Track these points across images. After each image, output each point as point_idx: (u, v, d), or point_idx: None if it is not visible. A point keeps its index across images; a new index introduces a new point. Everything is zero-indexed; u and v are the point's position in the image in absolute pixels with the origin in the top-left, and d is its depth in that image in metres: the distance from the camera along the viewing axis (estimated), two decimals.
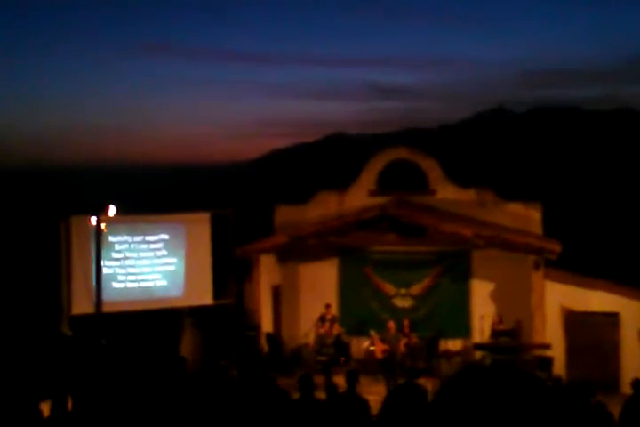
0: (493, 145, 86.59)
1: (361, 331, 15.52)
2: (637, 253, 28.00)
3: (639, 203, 41.64)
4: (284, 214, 16.46)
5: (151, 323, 14.95)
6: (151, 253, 15.05)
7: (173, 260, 15.16)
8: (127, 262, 14.88)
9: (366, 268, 16.22)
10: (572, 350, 14.48)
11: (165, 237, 15.13)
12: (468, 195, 15.68)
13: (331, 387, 9.07)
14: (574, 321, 14.62)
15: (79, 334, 14.17)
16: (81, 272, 14.26)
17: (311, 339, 15.10)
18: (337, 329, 15.08)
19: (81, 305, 14.10)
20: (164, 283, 15.08)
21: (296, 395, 8.16)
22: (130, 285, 14.86)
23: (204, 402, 8.56)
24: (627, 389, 9.98)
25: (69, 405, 7.99)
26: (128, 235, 14.88)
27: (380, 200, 15.43)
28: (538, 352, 13.80)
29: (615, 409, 8.12)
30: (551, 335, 14.28)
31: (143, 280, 14.97)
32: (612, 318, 14.42)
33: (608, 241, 32.61)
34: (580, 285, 14.68)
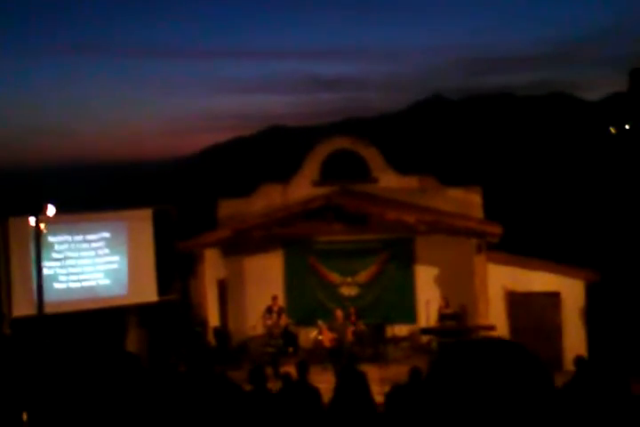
0: (432, 133, 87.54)
1: (308, 321, 15.54)
2: (576, 233, 28.63)
3: (575, 184, 42.53)
4: (228, 208, 16.36)
5: (95, 322, 14.73)
6: (92, 252, 14.82)
7: (116, 258, 14.95)
8: (68, 262, 14.63)
9: (311, 258, 16.27)
10: (515, 331, 14.73)
11: (107, 235, 14.91)
12: (410, 182, 15.83)
13: (285, 377, 9.09)
14: (517, 302, 14.88)
15: (22, 335, 13.88)
16: (21, 274, 13.97)
17: (259, 331, 15.07)
18: (285, 320, 15.08)
19: (22, 307, 13.82)
20: (107, 282, 14.87)
21: (246, 388, 8.16)
22: (72, 285, 14.62)
23: (155, 400, 8.47)
24: (569, 366, 10.20)
25: (18, 408, 7.81)
26: (68, 234, 14.62)
27: (323, 190, 15.46)
28: (483, 334, 14.00)
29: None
30: (495, 317, 14.50)
31: (85, 280, 14.74)
32: (553, 298, 14.72)
33: (548, 222, 33.25)
34: (521, 266, 14.95)
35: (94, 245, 14.84)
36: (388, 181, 15.86)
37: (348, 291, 16.20)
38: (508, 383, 1.83)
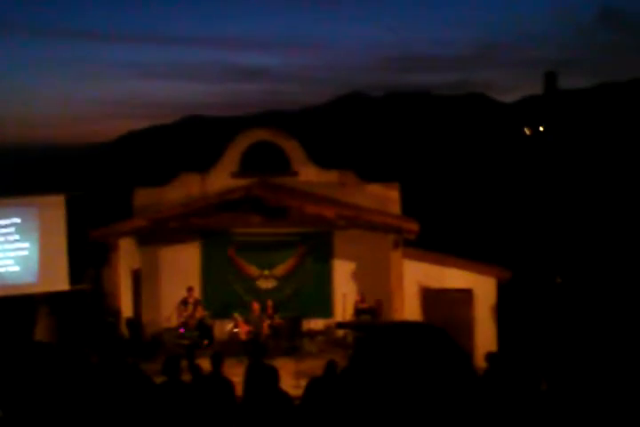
0: (353, 128, 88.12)
1: (225, 313, 15.44)
2: (489, 232, 29.33)
3: (490, 183, 43.56)
4: (144, 197, 16.05)
5: (4, 310, 14.26)
6: (2, 238, 14.32)
7: (26, 244, 14.48)
8: None
9: (229, 250, 16.15)
10: None
11: (17, 220, 14.42)
12: (330, 176, 15.88)
13: (195, 369, 9.01)
14: (431, 298, 15.15)
15: None
16: None
17: (173, 323, 14.87)
18: (200, 312, 14.93)
19: None
20: (17, 269, 14.39)
21: (158, 380, 8.04)
22: None
23: (65, 390, 8.25)
24: (480, 362, 10.41)
25: None
26: None
27: (242, 182, 15.34)
28: None
29: None
30: (410, 312, 14.70)
31: None
32: (465, 295, 15.04)
33: (462, 220, 33.95)
34: (435, 262, 15.23)
35: (4, 230, 14.34)
36: (308, 174, 15.87)
37: (265, 284, 16.15)
38: (429, 368, 1.83)
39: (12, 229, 14.37)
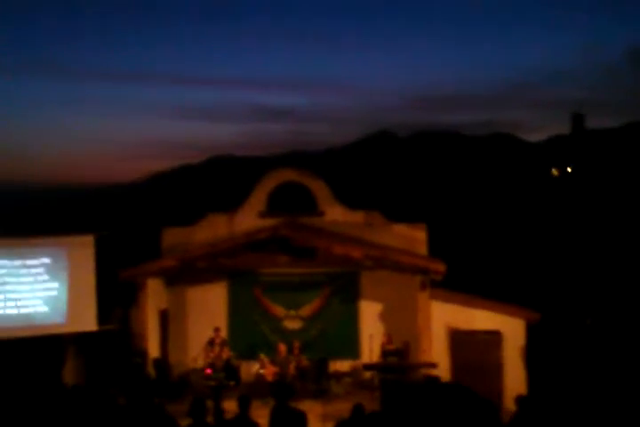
0: (379, 168, 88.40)
1: (251, 354, 15.37)
2: (517, 273, 29.07)
3: (517, 224, 43.29)
4: (172, 237, 16.16)
5: (32, 350, 14.33)
6: (31, 278, 14.46)
7: (55, 284, 14.61)
8: (6, 288, 14.23)
9: (256, 290, 16.14)
10: (457, 369, 14.80)
11: (47, 260, 14.57)
12: (357, 216, 15.91)
13: (219, 412, 8.97)
14: (459, 340, 14.98)
15: None
16: None
17: (200, 364, 14.82)
18: (227, 353, 14.88)
19: None
20: (46, 309, 14.50)
21: (184, 421, 8.02)
22: (9, 311, 14.22)
23: None
24: (510, 405, 10.26)
25: None
26: (7, 259, 14.27)
27: (269, 222, 15.41)
28: (425, 371, 14.03)
29: None
30: (437, 354, 14.56)
31: (23, 306, 14.34)
32: (494, 337, 14.86)
33: (490, 261, 33.71)
34: (463, 304, 15.10)
35: (34, 270, 14.48)
36: (335, 214, 15.92)
37: (291, 324, 16.09)
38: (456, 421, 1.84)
39: (41, 270, 14.51)
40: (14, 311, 14.25)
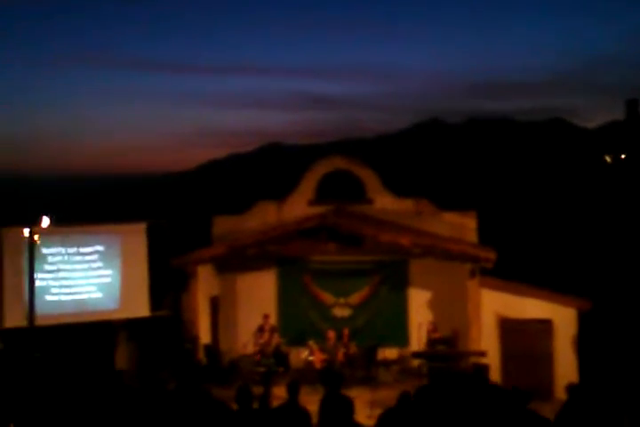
0: (429, 155, 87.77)
1: (300, 341, 15.47)
2: (569, 261, 28.65)
3: (570, 211, 42.65)
4: (223, 225, 16.33)
5: (86, 336, 14.65)
6: (86, 265, 14.75)
7: (108, 271, 14.88)
8: (61, 275, 14.54)
9: (305, 277, 16.23)
10: (506, 357, 14.70)
11: (100, 248, 14.85)
12: (406, 204, 15.84)
13: (264, 398, 9.04)
14: (509, 328, 14.85)
15: (12, 347, 13.79)
16: (13, 285, 13.88)
17: (250, 350, 14.98)
18: (276, 339, 15.01)
19: (13, 318, 13.73)
20: (99, 295, 14.79)
21: (234, 406, 8.12)
22: (64, 297, 14.53)
23: (141, 415, 8.43)
24: (560, 395, 10.17)
25: (5, 419, 7.76)
26: (62, 246, 14.56)
27: (318, 210, 15.45)
28: (474, 359, 13.96)
29: (549, 416, 8.25)
30: (487, 343, 14.46)
31: (77, 293, 14.64)
32: (545, 325, 14.70)
33: (542, 249, 33.28)
34: (514, 292, 14.94)
35: (87, 258, 14.76)
36: (384, 202, 15.88)
37: (340, 312, 16.15)
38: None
39: (95, 257, 14.79)
40: (69, 298, 14.55)
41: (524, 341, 14.65)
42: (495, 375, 13.92)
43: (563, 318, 14.74)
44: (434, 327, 14.78)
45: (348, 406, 8.65)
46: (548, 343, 14.66)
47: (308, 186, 16.18)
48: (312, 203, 15.96)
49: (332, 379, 9.15)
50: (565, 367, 14.51)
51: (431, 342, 14.58)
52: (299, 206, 15.96)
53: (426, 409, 8.28)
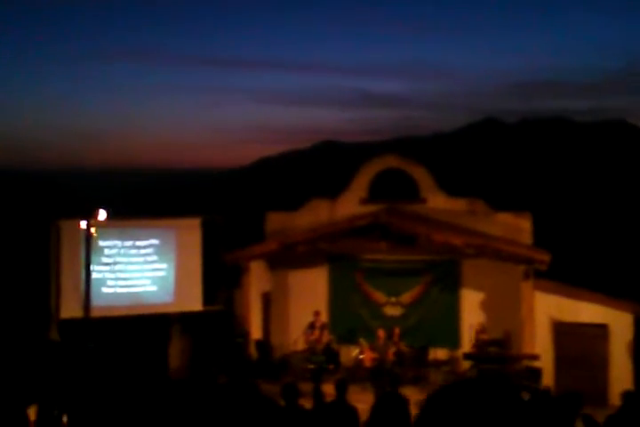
0: (484, 155, 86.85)
1: (350, 339, 15.47)
2: (625, 265, 28.07)
3: (627, 214, 41.77)
4: (275, 221, 16.41)
5: (140, 328, 14.88)
6: (141, 259, 14.99)
7: (163, 265, 15.10)
8: (117, 267, 14.82)
9: (357, 275, 16.19)
10: (560, 362, 14.47)
11: (155, 242, 15.07)
12: (459, 204, 15.69)
13: (318, 395, 9.07)
14: (563, 332, 14.61)
15: (67, 338, 14.08)
16: (70, 277, 14.18)
17: (300, 346, 15.04)
18: (327, 337, 15.04)
19: (70, 309, 14.03)
20: (154, 288, 15.01)
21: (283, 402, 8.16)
22: (119, 290, 14.80)
23: (190, 409, 8.51)
24: (615, 401, 9.99)
25: (57, 410, 7.93)
26: (118, 239, 14.82)
27: (370, 208, 15.41)
28: (527, 363, 13.79)
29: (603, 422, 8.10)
30: (540, 346, 14.26)
31: (133, 285, 14.91)
32: (601, 330, 14.41)
33: (598, 252, 32.67)
34: (569, 296, 14.69)
35: (143, 251, 15.00)
36: (437, 202, 15.75)
37: (392, 311, 16.07)
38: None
39: (150, 250, 15.02)
40: (124, 290, 14.82)
41: (578, 345, 14.39)
42: (548, 380, 13.74)
43: (618, 322, 14.43)
44: (482, 328, 14.64)
45: (404, 405, 8.62)
46: (603, 348, 14.37)
47: (360, 184, 16.15)
48: (364, 201, 15.93)
49: (389, 378, 9.14)
50: (621, 373, 14.21)
51: (480, 344, 14.44)
52: (351, 204, 15.94)
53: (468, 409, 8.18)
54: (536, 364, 13.70)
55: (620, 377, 14.05)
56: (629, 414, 8.35)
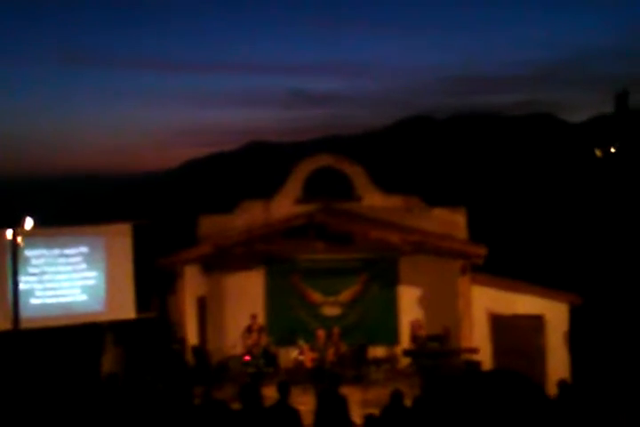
0: (417, 152, 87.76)
1: (289, 340, 15.30)
2: (560, 256, 28.62)
3: (559, 206, 42.67)
4: (209, 224, 16.13)
5: (71, 339, 14.44)
6: (70, 267, 14.53)
7: (93, 273, 14.67)
8: (45, 277, 14.32)
9: (293, 277, 16.06)
10: (498, 354, 14.58)
11: (85, 249, 14.63)
12: (395, 201, 15.69)
13: (258, 398, 8.92)
14: (501, 325, 14.74)
15: None
16: None
17: (238, 350, 14.82)
18: (264, 340, 14.86)
19: None
20: (85, 297, 14.57)
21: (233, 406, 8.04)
22: (48, 300, 14.31)
23: (132, 417, 8.29)
24: (553, 390, 10.05)
25: None
26: (45, 248, 14.34)
27: (306, 208, 15.27)
28: (466, 357, 13.84)
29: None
30: (479, 339, 14.34)
31: (62, 295, 14.43)
32: (537, 321, 14.60)
33: (531, 245, 33.26)
34: (505, 288, 14.83)
35: (72, 259, 14.55)
36: (373, 199, 15.72)
37: (330, 311, 15.98)
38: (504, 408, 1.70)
39: (79, 259, 14.58)
40: (54, 300, 14.34)
41: (515, 337, 14.55)
42: None
43: (554, 313, 14.64)
44: (419, 324, 14.70)
45: (343, 404, 8.59)
46: (539, 339, 14.56)
47: (294, 184, 16.00)
48: (299, 201, 15.79)
49: (328, 378, 9.10)
50: (557, 363, 14.42)
51: (418, 340, 14.47)
52: (286, 205, 15.78)
53: (421, 409, 8.16)
54: (475, 357, 13.75)
55: (557, 367, 14.25)
56: (564, 402, 8.41)
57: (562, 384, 8.93)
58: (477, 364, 13.63)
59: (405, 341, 15.04)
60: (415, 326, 14.69)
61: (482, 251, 14.23)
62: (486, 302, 14.71)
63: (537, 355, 14.49)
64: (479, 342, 14.29)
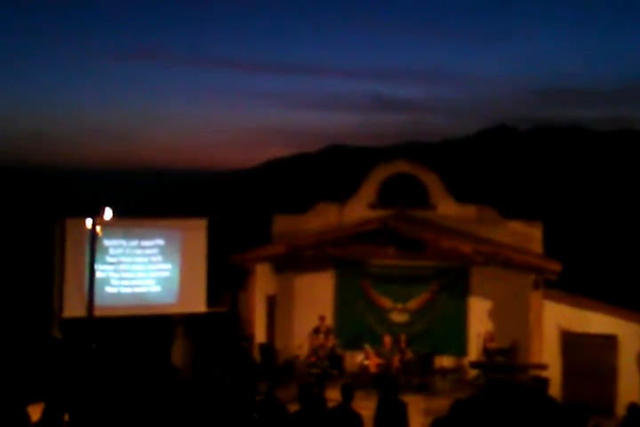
0: (496, 162, 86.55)
1: (356, 344, 15.30)
2: (636, 276, 27.82)
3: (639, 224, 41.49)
4: (282, 224, 16.28)
5: (143, 329, 14.76)
6: (146, 259, 14.88)
7: (168, 266, 14.98)
8: (121, 267, 14.71)
9: (363, 281, 16.04)
10: (568, 372, 14.27)
11: (161, 242, 14.96)
12: (469, 211, 15.53)
13: (322, 400, 8.93)
14: (572, 342, 14.42)
15: (69, 337, 13.97)
16: (74, 275, 14.07)
17: (305, 351, 14.88)
18: (331, 342, 14.88)
19: (73, 308, 13.92)
20: (158, 289, 14.90)
21: (291, 406, 8.06)
22: (123, 290, 14.69)
23: (196, 411, 8.42)
24: (622, 412, 9.80)
25: (60, 409, 7.80)
26: (123, 239, 14.72)
27: (379, 213, 15.27)
28: (534, 372, 13.60)
29: None
30: (548, 356, 14.07)
31: (137, 286, 14.80)
32: (609, 341, 14.22)
33: (608, 263, 32.44)
34: (578, 306, 14.50)
35: (148, 251, 14.89)
36: (447, 208, 15.59)
37: (398, 317, 15.91)
38: None
39: (155, 251, 14.90)
40: (128, 290, 14.71)
41: (586, 355, 14.19)
42: (555, 390, 13.54)
43: (627, 333, 14.22)
44: (491, 337, 14.47)
45: (403, 411, 8.52)
46: (611, 359, 14.17)
47: (369, 189, 16.00)
48: (373, 206, 15.78)
49: (387, 383, 9.02)
50: (629, 385, 13.99)
51: (489, 353, 14.27)
52: (359, 209, 15.80)
53: (479, 420, 8.04)
54: (544, 374, 13.51)
55: (628, 389, 13.84)
56: (632, 426, 8.17)
57: (632, 408, 8.68)
58: (546, 381, 13.38)
59: (474, 352, 14.85)
60: (487, 339, 14.48)
61: (557, 267, 13.96)
62: (558, 318, 14.41)
63: (608, 375, 14.11)
64: (548, 358, 14.02)
